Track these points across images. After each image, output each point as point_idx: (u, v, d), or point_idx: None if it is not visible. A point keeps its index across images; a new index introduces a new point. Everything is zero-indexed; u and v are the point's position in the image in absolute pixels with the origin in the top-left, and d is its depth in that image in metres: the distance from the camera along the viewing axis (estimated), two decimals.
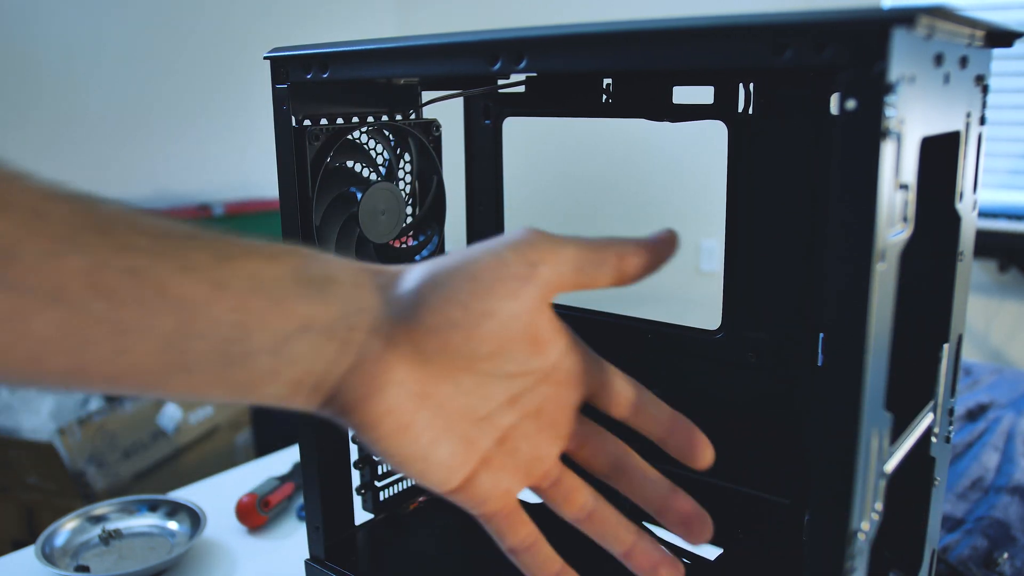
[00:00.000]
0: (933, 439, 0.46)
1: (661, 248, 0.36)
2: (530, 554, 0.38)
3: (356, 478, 0.62)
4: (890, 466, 0.36)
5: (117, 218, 0.30)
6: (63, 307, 0.28)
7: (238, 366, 0.31)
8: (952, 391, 0.48)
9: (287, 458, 0.94)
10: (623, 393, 0.37)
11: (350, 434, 0.61)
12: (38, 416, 1.69)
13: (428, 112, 0.63)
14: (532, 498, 0.39)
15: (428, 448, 0.33)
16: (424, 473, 0.34)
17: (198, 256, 0.30)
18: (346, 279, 0.33)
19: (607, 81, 0.60)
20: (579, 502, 0.37)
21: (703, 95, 0.56)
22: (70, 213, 0.29)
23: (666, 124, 0.58)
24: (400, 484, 0.67)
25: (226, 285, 0.30)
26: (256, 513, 0.77)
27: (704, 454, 0.36)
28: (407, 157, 0.62)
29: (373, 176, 0.60)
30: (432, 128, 0.63)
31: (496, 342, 0.33)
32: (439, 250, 0.64)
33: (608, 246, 0.35)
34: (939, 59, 0.35)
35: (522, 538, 0.37)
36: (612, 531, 0.37)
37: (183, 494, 0.83)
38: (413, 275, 0.33)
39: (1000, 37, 0.42)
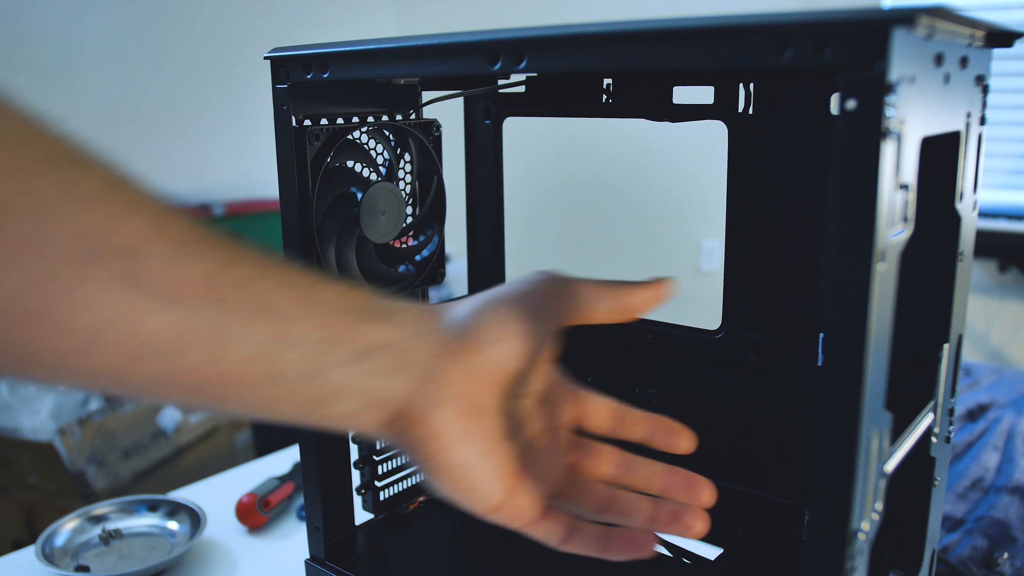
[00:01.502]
0: (933, 439, 0.46)
1: (658, 290, 0.40)
2: (579, 538, 0.40)
3: (356, 478, 0.62)
4: (890, 466, 0.36)
5: (223, 234, 0.32)
6: (176, 310, 0.29)
7: (319, 378, 0.33)
8: (952, 391, 0.48)
9: (287, 458, 0.94)
10: (604, 407, 0.42)
11: (350, 434, 0.61)
12: (38, 416, 1.69)
13: (428, 112, 0.63)
14: None
15: (477, 461, 0.36)
16: (474, 489, 0.37)
17: (292, 277, 0.34)
18: (408, 309, 0.37)
19: (607, 81, 0.60)
20: (598, 494, 0.41)
21: (703, 95, 0.56)
22: (186, 224, 0.31)
23: (666, 124, 0.58)
24: (400, 484, 0.67)
25: (315, 304, 0.33)
26: (256, 513, 0.77)
27: (686, 440, 0.41)
28: (407, 157, 0.62)
29: (373, 176, 0.60)
30: (432, 128, 0.63)
31: (525, 362, 0.37)
32: (439, 250, 0.64)
33: (611, 285, 0.39)
34: (939, 59, 0.35)
35: (562, 533, 0.40)
36: (633, 506, 0.40)
37: (183, 494, 0.83)
38: (465, 304, 0.38)
39: (1000, 37, 0.42)
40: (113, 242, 0.28)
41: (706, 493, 0.40)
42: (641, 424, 0.42)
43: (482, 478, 0.37)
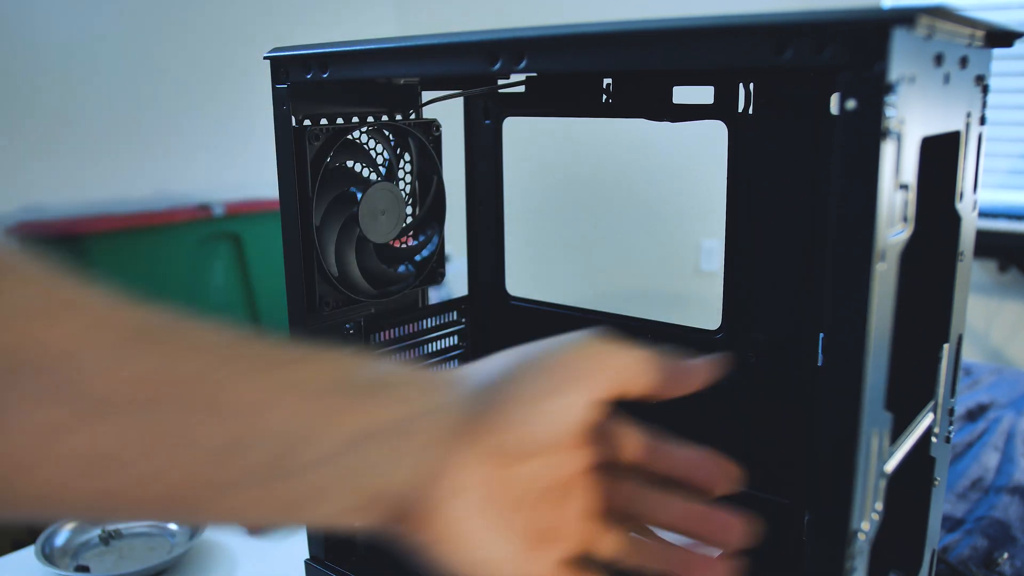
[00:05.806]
0: (933, 439, 0.46)
1: (706, 369, 0.36)
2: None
3: None
4: (890, 466, 0.36)
5: (171, 326, 0.28)
6: (110, 421, 0.26)
7: (291, 479, 0.28)
8: (952, 391, 0.48)
9: None
10: (635, 441, 0.36)
11: None
12: None
13: (428, 112, 0.63)
14: None
15: (491, 548, 0.32)
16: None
17: (249, 363, 0.29)
18: (411, 380, 0.32)
19: (607, 81, 0.60)
20: (611, 545, 0.36)
21: (703, 95, 0.56)
22: (137, 317, 0.28)
23: (666, 124, 0.58)
24: None
25: (289, 388, 0.29)
26: None
27: (725, 479, 0.36)
28: (407, 157, 0.62)
29: (373, 176, 0.60)
30: (432, 128, 0.63)
31: (554, 439, 0.32)
32: (439, 250, 0.64)
33: (659, 360, 0.36)
34: (939, 59, 0.35)
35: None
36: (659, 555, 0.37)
37: None
38: (486, 370, 0.32)
39: (1000, 37, 0.42)
40: (44, 353, 0.25)
41: (735, 535, 0.35)
42: (676, 459, 0.36)
43: (496, 563, 0.32)
